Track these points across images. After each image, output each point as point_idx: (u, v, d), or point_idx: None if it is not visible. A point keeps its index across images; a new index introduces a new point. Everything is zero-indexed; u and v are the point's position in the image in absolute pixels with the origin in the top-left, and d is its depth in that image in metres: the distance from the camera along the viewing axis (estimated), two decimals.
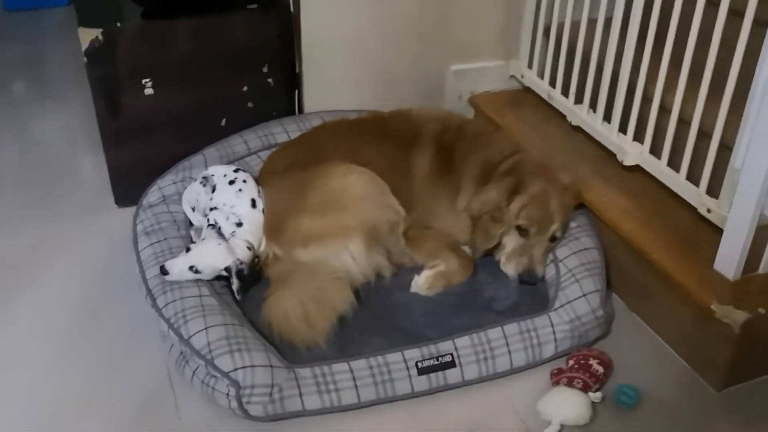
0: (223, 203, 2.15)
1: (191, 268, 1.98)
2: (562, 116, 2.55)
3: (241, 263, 2.02)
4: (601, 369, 1.89)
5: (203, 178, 2.24)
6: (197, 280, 1.99)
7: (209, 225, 2.11)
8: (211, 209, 2.15)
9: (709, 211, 2.00)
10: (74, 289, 2.20)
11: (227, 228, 2.10)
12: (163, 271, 1.97)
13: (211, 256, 2.00)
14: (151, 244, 2.13)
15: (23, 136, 2.95)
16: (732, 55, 1.88)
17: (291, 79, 2.62)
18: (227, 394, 1.77)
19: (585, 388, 1.84)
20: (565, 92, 2.53)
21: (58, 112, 3.09)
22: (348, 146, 2.26)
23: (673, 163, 2.14)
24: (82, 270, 2.27)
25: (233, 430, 1.80)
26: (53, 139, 2.94)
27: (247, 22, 2.45)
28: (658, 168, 2.17)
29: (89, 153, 2.75)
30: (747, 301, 1.86)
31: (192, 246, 2.04)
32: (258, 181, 2.28)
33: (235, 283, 2.01)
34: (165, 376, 1.93)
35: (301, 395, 1.79)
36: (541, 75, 2.67)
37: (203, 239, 2.06)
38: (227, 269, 2.00)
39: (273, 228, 2.14)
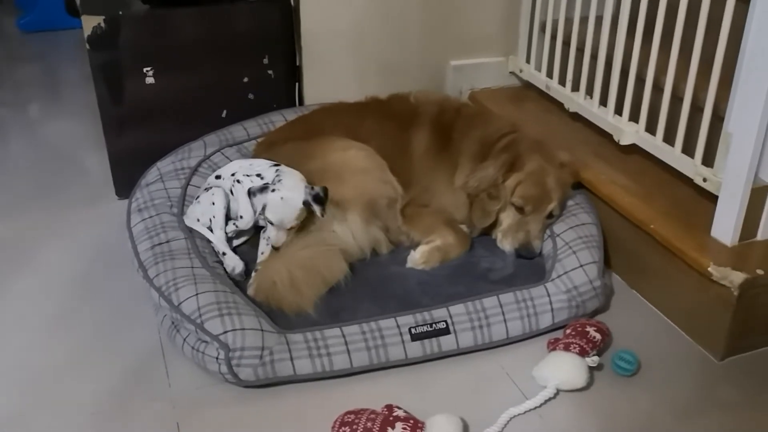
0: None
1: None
2: (561, 109, 2.57)
3: (312, 188, 1.98)
4: (598, 336, 1.85)
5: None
6: (188, 253, 1.98)
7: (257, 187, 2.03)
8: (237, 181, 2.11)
9: (705, 180, 1.98)
10: (71, 267, 2.22)
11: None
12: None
13: (287, 199, 1.96)
14: (143, 219, 2.13)
15: (35, 139, 3.08)
16: (718, 33, 1.90)
17: (291, 72, 2.65)
18: (217, 358, 1.74)
19: (582, 353, 1.80)
20: (562, 82, 2.56)
21: (69, 120, 3.20)
22: (347, 125, 2.28)
23: (668, 140, 2.13)
24: (81, 250, 2.29)
25: (223, 396, 1.78)
26: (62, 141, 3.03)
27: (247, 13, 2.49)
28: (654, 144, 2.17)
29: (94, 153, 2.83)
30: (745, 264, 1.83)
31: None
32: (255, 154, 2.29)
33: (318, 209, 1.98)
34: (157, 345, 1.92)
35: (292, 359, 1.77)
36: (538, 68, 2.70)
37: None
38: (305, 202, 1.97)
39: None
